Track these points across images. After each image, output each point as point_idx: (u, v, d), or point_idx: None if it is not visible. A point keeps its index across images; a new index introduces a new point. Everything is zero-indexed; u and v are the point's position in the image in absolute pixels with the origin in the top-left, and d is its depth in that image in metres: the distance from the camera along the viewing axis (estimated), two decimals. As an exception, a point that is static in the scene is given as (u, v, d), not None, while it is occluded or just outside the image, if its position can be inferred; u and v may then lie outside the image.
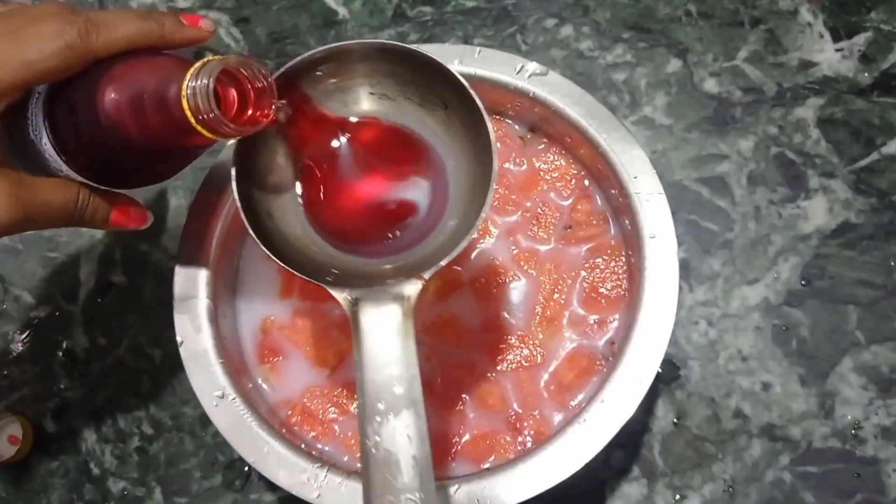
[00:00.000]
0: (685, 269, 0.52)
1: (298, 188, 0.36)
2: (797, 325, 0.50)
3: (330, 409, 0.44)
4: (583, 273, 0.45)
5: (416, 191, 0.36)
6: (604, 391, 0.39)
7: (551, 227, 0.46)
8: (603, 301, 0.44)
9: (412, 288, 0.32)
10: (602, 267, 0.45)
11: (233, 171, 0.33)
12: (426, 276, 0.32)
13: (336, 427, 0.43)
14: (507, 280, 0.45)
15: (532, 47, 0.59)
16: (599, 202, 0.46)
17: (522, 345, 0.44)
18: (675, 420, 0.49)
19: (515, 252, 0.46)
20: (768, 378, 0.49)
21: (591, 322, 0.44)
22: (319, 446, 0.43)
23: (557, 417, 0.43)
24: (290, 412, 0.44)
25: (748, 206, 0.53)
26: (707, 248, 0.52)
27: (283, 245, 0.34)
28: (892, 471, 0.47)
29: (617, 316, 0.44)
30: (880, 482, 0.47)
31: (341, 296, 0.33)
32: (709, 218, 0.53)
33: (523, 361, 0.44)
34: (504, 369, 0.44)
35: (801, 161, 0.54)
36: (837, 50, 0.57)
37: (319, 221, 0.36)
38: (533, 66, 0.45)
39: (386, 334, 0.32)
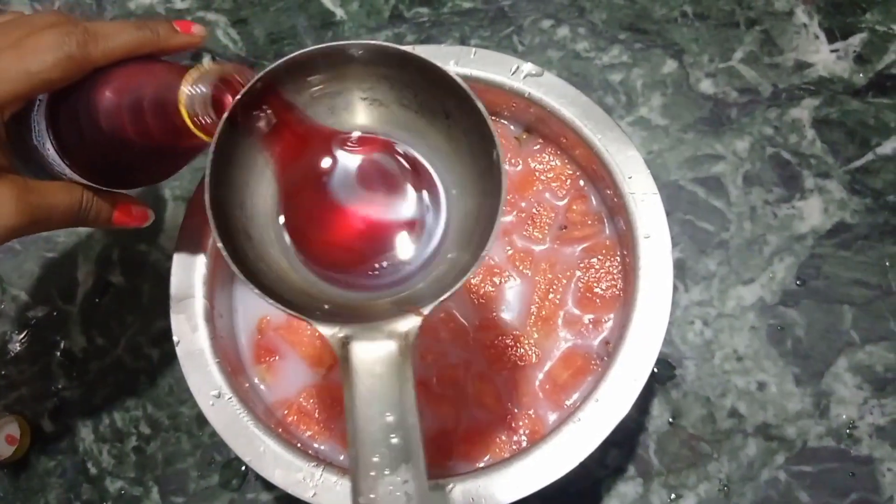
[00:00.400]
0: (681, 269, 0.52)
1: (281, 210, 0.32)
2: (792, 324, 0.50)
3: (326, 407, 0.44)
4: (578, 273, 0.45)
5: (413, 216, 0.33)
6: (598, 390, 0.39)
7: (546, 227, 0.46)
8: (598, 301, 0.44)
9: (410, 324, 0.29)
10: (597, 267, 0.45)
11: (207, 187, 0.29)
12: (425, 311, 0.29)
13: (332, 426, 0.44)
14: (503, 280, 0.46)
15: (528, 48, 0.59)
16: (594, 202, 0.47)
17: (517, 344, 0.44)
18: (670, 419, 0.49)
19: (511, 252, 0.46)
20: (763, 378, 0.49)
21: (586, 322, 0.44)
22: (316, 445, 0.43)
23: (552, 417, 0.43)
24: (286, 411, 0.44)
25: (744, 207, 0.53)
26: (703, 249, 0.52)
27: (262, 271, 0.30)
28: (886, 470, 0.47)
29: (612, 316, 0.44)
30: (875, 481, 0.47)
31: (330, 332, 0.28)
32: (705, 218, 0.53)
33: (518, 361, 0.44)
34: (499, 369, 0.44)
35: (796, 161, 0.54)
36: (833, 51, 0.57)
37: (304, 249, 0.32)
38: (528, 67, 0.45)
39: (381, 377, 0.28)
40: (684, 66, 0.57)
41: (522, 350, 0.44)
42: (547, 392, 0.43)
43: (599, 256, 0.45)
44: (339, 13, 0.62)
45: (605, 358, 0.43)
